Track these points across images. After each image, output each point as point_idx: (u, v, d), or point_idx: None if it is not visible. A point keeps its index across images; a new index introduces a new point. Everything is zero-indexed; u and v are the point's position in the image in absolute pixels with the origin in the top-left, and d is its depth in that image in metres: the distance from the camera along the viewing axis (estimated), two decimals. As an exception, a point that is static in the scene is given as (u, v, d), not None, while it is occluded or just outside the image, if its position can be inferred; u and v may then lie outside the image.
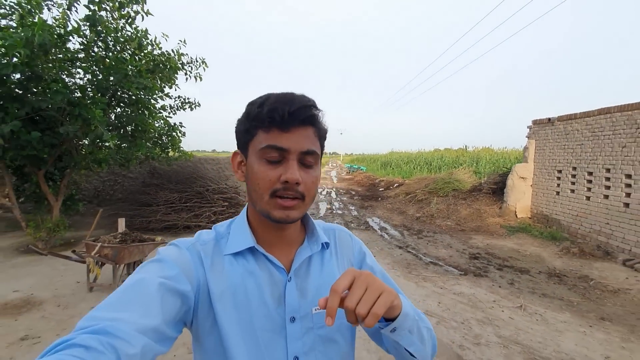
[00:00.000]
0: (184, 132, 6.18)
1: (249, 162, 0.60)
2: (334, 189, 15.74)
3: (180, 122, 6.11)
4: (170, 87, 6.13)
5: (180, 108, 6.42)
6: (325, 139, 0.63)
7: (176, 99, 6.33)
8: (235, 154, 0.64)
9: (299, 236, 0.68)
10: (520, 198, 7.80)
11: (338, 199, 12.61)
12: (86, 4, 4.10)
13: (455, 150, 23.17)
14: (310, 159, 0.58)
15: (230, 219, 0.68)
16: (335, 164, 51.47)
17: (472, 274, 4.75)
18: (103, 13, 4.26)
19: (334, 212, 9.66)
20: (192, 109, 6.52)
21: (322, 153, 0.62)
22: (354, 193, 14.33)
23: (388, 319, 0.56)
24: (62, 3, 4.62)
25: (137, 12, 4.64)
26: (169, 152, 6.23)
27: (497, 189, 8.70)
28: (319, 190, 15.22)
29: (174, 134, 6.01)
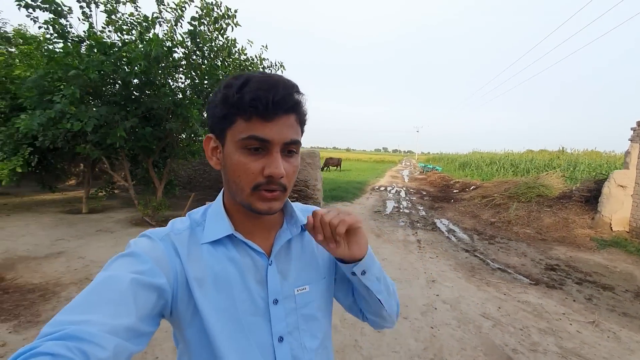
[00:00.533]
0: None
1: (226, 150, 0.57)
2: (404, 188, 15.47)
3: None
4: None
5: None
6: (305, 123, 0.61)
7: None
8: (208, 138, 0.61)
9: (278, 220, 0.67)
10: (618, 209, 6.83)
11: (407, 198, 12.41)
12: (189, 20, 4.94)
13: (549, 152, 20.79)
14: (293, 148, 0.57)
15: (205, 206, 0.67)
16: (408, 163, 49.91)
17: (545, 284, 4.43)
18: (201, 27, 5.05)
19: (401, 210, 9.59)
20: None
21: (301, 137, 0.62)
22: (424, 193, 13.91)
23: (357, 260, 0.62)
24: (170, 19, 5.56)
25: (228, 24, 5.37)
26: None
27: (591, 198, 7.71)
28: (388, 188, 15.13)
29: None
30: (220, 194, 0.65)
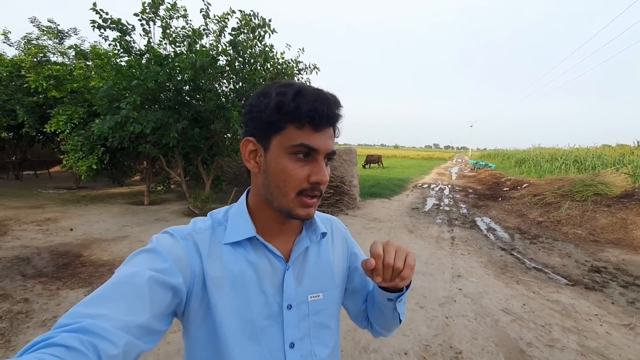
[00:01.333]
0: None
1: (271, 155, 0.58)
2: (449, 186, 15.00)
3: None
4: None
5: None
6: (338, 137, 0.64)
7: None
8: (246, 141, 0.62)
9: (297, 226, 0.68)
10: (689, 209, 6.13)
11: (450, 195, 12.08)
12: (230, 31, 5.46)
13: (621, 147, 18.80)
14: (331, 157, 0.60)
15: (227, 207, 0.68)
16: (460, 160, 47.64)
17: (583, 286, 4.22)
18: (241, 36, 5.55)
19: (441, 208, 9.42)
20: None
21: None
22: (471, 191, 13.40)
23: (398, 289, 0.64)
24: (215, 30, 6.14)
25: (265, 32, 5.81)
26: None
27: (656, 196, 6.98)
28: (432, 185, 14.78)
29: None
30: (244, 195, 0.67)
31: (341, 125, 0.62)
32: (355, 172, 8.73)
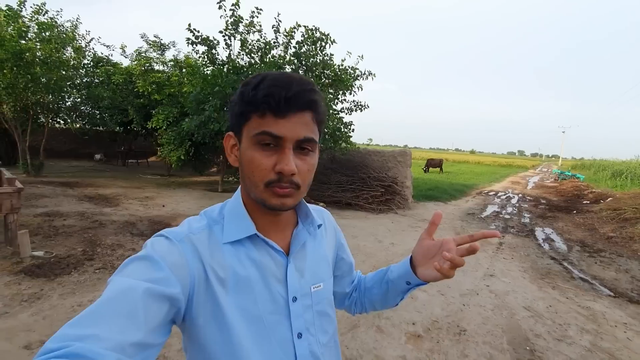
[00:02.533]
0: (353, 129, 7.83)
1: (242, 147, 0.58)
2: (520, 195, 14.10)
3: (351, 121, 7.81)
4: (350, 94, 7.89)
5: (355, 109, 8.12)
6: (324, 123, 0.61)
7: (351, 102, 8.07)
8: (227, 136, 0.63)
9: (292, 218, 0.69)
10: None
11: (517, 204, 11.46)
12: (294, 44, 6.27)
13: None
14: (307, 146, 0.57)
15: (221, 203, 0.67)
16: (546, 169, 43.10)
17: (627, 298, 4.07)
18: (304, 48, 6.33)
19: (501, 215, 9.14)
20: (362, 110, 8.10)
21: (320, 137, 0.62)
22: (543, 202, 12.47)
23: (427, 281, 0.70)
24: (284, 42, 7.03)
25: (326, 43, 6.52)
26: (341, 144, 8.00)
27: None
28: (499, 193, 14.06)
29: (345, 129, 7.75)
30: (238, 191, 0.66)
31: (323, 109, 0.59)
32: (408, 174, 8.98)
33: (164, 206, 6.79)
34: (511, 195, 14.00)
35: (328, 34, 6.49)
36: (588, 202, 12.14)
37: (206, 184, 10.53)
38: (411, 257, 0.73)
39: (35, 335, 2.48)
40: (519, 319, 3.29)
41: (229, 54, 6.99)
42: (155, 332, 0.48)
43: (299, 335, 0.63)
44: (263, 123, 0.54)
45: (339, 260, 0.81)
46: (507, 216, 9.14)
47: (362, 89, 7.47)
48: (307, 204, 0.71)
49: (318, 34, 6.45)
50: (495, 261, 5.13)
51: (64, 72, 9.00)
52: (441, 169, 21.99)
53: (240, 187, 0.65)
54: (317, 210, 0.76)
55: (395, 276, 0.76)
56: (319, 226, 0.72)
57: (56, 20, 9.21)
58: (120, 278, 0.49)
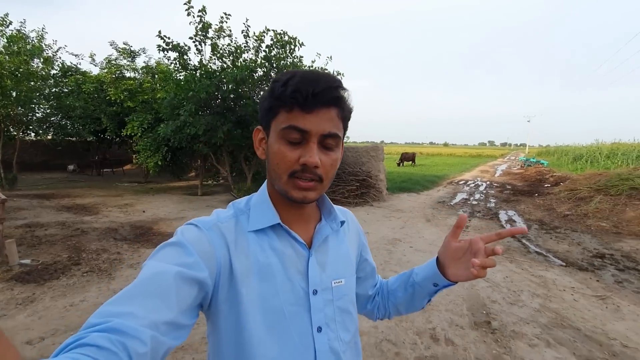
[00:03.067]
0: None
1: (270, 140, 0.60)
2: (487, 182, 14.90)
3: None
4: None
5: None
6: (349, 119, 0.63)
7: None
8: (256, 130, 0.65)
9: (315, 213, 0.71)
10: None
11: (484, 191, 12.16)
12: (264, 48, 6.52)
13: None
14: (330, 142, 0.58)
15: (248, 196, 0.69)
16: (513, 157, 45.17)
17: (577, 267, 4.59)
18: (274, 51, 6.59)
19: (469, 202, 9.73)
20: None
21: (344, 134, 0.63)
22: (508, 187, 13.26)
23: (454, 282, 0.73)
24: (255, 46, 7.26)
25: (295, 45, 6.80)
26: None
27: (691, 189, 6.80)
28: (469, 182, 14.80)
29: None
30: (264, 184, 0.68)
31: (349, 106, 0.61)
32: (382, 167, 9.40)
33: (144, 212, 6.87)
34: (479, 183, 14.77)
35: (296, 37, 6.80)
36: (549, 185, 13.02)
37: (185, 188, 10.57)
38: (437, 258, 0.75)
39: (35, 332, 2.64)
40: (478, 290, 3.70)
41: (201, 59, 7.14)
42: (186, 313, 0.51)
43: (319, 329, 0.63)
44: (290, 117, 0.56)
45: (362, 261, 0.81)
46: (474, 202, 9.75)
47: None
48: (332, 203, 0.73)
49: (286, 38, 6.74)
50: (461, 242, 5.58)
51: (32, 84, 8.83)
52: (414, 162, 22.76)
53: (266, 181, 0.68)
54: (341, 210, 0.77)
55: (421, 278, 0.77)
56: (342, 223, 0.73)
57: (23, 32, 9.00)
58: (154, 262, 0.52)
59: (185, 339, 0.52)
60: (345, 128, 0.62)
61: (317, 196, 0.61)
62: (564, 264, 4.70)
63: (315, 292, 0.64)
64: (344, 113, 0.60)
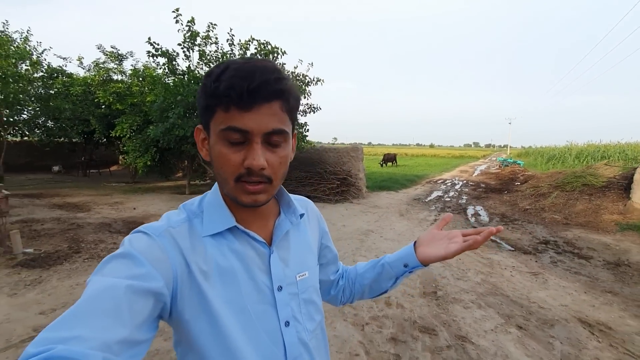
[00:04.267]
0: (308, 129, 8.77)
1: (211, 141, 0.56)
2: (464, 181, 15.73)
3: (305, 122, 8.72)
4: (304, 98, 8.77)
5: (308, 112, 9.04)
6: (296, 110, 0.59)
7: (304, 105, 8.96)
8: (197, 129, 0.61)
9: (273, 208, 0.68)
10: (651, 195, 6.83)
11: (459, 189, 12.93)
12: (248, 56, 7.05)
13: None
14: (276, 139, 0.55)
15: (200, 196, 0.65)
16: (494, 158, 46.71)
17: (522, 251, 5.26)
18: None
19: (442, 199, 10.44)
20: (314, 112, 9.04)
21: (293, 126, 0.61)
22: (482, 186, 14.08)
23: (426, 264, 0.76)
24: (240, 54, 7.76)
25: (278, 54, 7.35)
26: (299, 143, 8.85)
27: (627, 185, 7.66)
28: (447, 181, 15.59)
29: (300, 130, 8.63)
30: (216, 184, 0.64)
31: (294, 96, 0.56)
32: (361, 167, 10.01)
33: (135, 209, 7.27)
34: (456, 182, 15.59)
35: (279, 47, 7.34)
36: (519, 183, 13.93)
37: (173, 188, 10.95)
38: (414, 242, 0.79)
39: (46, 305, 3.09)
40: (432, 269, 4.31)
41: (189, 65, 7.60)
42: (142, 328, 0.47)
43: (287, 324, 0.63)
44: (228, 117, 0.52)
45: (323, 248, 0.81)
46: (447, 199, 10.46)
47: (311, 95, 8.41)
48: (290, 194, 0.71)
49: (269, 47, 7.28)
50: (427, 233, 6.22)
51: (21, 85, 9.08)
52: (395, 162, 23.67)
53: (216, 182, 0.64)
54: (299, 200, 0.76)
55: (393, 259, 0.80)
56: (302, 215, 0.71)
57: (7, 33, 9.25)
58: (100, 277, 0.48)
59: (143, 356, 0.47)
60: (293, 120, 0.59)
61: (268, 198, 0.58)
62: (512, 249, 5.38)
63: (280, 288, 0.63)
64: (289, 105, 0.56)
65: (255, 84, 0.50)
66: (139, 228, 0.57)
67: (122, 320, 0.44)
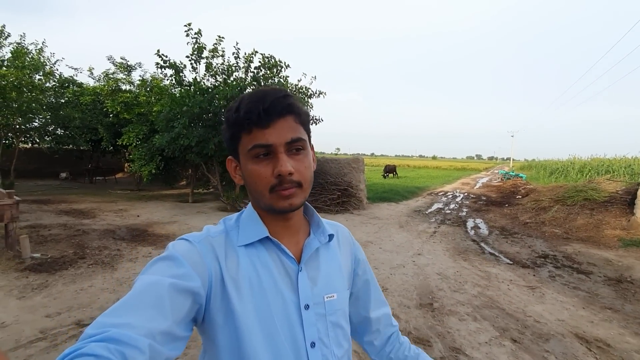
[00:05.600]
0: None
1: (242, 165, 0.63)
2: (465, 194, 15.76)
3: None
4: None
5: (311, 124, 9.21)
6: (308, 122, 0.67)
7: (307, 117, 9.14)
8: (229, 160, 0.68)
9: (303, 227, 0.72)
10: (653, 211, 6.85)
11: (459, 202, 12.96)
12: (252, 69, 7.26)
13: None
14: (297, 145, 0.61)
15: (238, 212, 0.70)
16: (497, 171, 46.64)
17: (521, 265, 5.29)
18: (262, 72, 7.33)
19: (443, 211, 10.47)
20: (316, 124, 9.25)
21: (309, 136, 0.67)
22: (484, 198, 14.10)
23: None
24: (244, 66, 7.99)
25: (281, 67, 7.57)
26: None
27: (631, 200, 7.68)
28: (448, 193, 15.62)
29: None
30: (249, 205, 0.69)
31: (304, 111, 0.64)
32: (362, 178, 10.12)
33: (138, 216, 7.41)
34: (457, 194, 15.61)
35: (283, 61, 7.61)
36: (520, 196, 13.94)
37: (177, 196, 11.09)
38: None
39: (52, 309, 3.18)
40: (430, 281, 4.36)
41: (195, 76, 7.83)
42: (180, 325, 0.52)
43: (312, 345, 0.63)
44: (252, 138, 0.59)
45: (355, 276, 0.80)
46: (447, 211, 10.50)
47: (312, 107, 8.62)
48: (321, 218, 0.74)
49: (273, 61, 7.51)
50: (426, 244, 6.27)
51: (34, 95, 9.37)
52: (395, 174, 23.84)
53: (249, 203, 0.70)
54: (330, 224, 0.77)
55: None
56: (331, 236, 0.72)
57: (23, 45, 9.60)
58: (146, 276, 0.54)
59: (180, 353, 0.52)
60: (308, 131, 0.66)
61: (301, 202, 0.63)
62: (510, 262, 5.41)
63: (307, 307, 0.64)
64: (301, 118, 0.63)
65: (268, 103, 0.58)
66: (182, 236, 0.63)
67: (165, 313, 0.49)
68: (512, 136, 63.94)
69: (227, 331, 0.58)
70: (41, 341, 2.66)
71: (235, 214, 0.70)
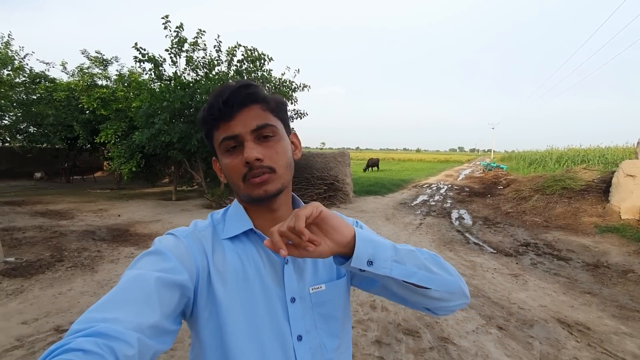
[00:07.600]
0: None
1: (220, 161, 0.64)
2: (448, 185, 16.02)
3: (292, 127, 8.79)
4: (291, 104, 8.86)
5: (295, 117, 9.16)
6: (282, 110, 0.66)
7: (291, 111, 9.06)
8: (214, 161, 0.70)
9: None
10: (627, 198, 7.11)
11: (444, 193, 13.17)
12: (235, 63, 7.09)
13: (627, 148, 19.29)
14: (265, 132, 0.60)
15: (226, 207, 0.70)
16: (478, 162, 47.66)
17: (504, 254, 5.41)
18: (245, 66, 7.17)
19: (428, 203, 10.62)
20: (301, 118, 9.16)
21: (285, 124, 0.66)
22: (467, 190, 14.37)
23: (347, 249, 0.54)
24: (227, 59, 7.80)
25: (264, 60, 7.43)
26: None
27: (606, 188, 7.97)
28: (432, 185, 15.85)
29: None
30: (235, 201, 0.70)
31: (272, 98, 0.63)
32: (348, 172, 10.12)
33: (119, 216, 7.18)
34: (441, 186, 15.86)
35: (266, 54, 7.45)
36: (502, 187, 14.28)
37: (159, 194, 10.82)
38: None
39: (28, 315, 3.04)
40: (417, 272, 4.41)
41: (175, 70, 7.60)
42: (169, 318, 0.51)
43: (299, 338, 0.62)
44: (220, 132, 0.60)
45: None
46: (432, 203, 10.65)
47: (297, 101, 8.53)
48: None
49: (256, 54, 7.36)
50: (412, 236, 6.34)
51: (2, 91, 8.90)
52: (377, 167, 24.08)
53: (235, 200, 0.70)
54: None
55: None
56: None
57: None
58: (133, 271, 0.53)
59: (170, 346, 0.51)
60: (282, 119, 0.65)
61: (277, 187, 0.61)
62: (494, 251, 5.53)
63: (293, 300, 0.63)
64: (270, 105, 0.63)
65: (226, 96, 0.59)
66: (169, 231, 0.64)
67: (153, 307, 0.49)
68: (493, 128, 65.35)
69: (212, 325, 0.58)
70: (17, 349, 2.54)
71: (223, 209, 0.71)
